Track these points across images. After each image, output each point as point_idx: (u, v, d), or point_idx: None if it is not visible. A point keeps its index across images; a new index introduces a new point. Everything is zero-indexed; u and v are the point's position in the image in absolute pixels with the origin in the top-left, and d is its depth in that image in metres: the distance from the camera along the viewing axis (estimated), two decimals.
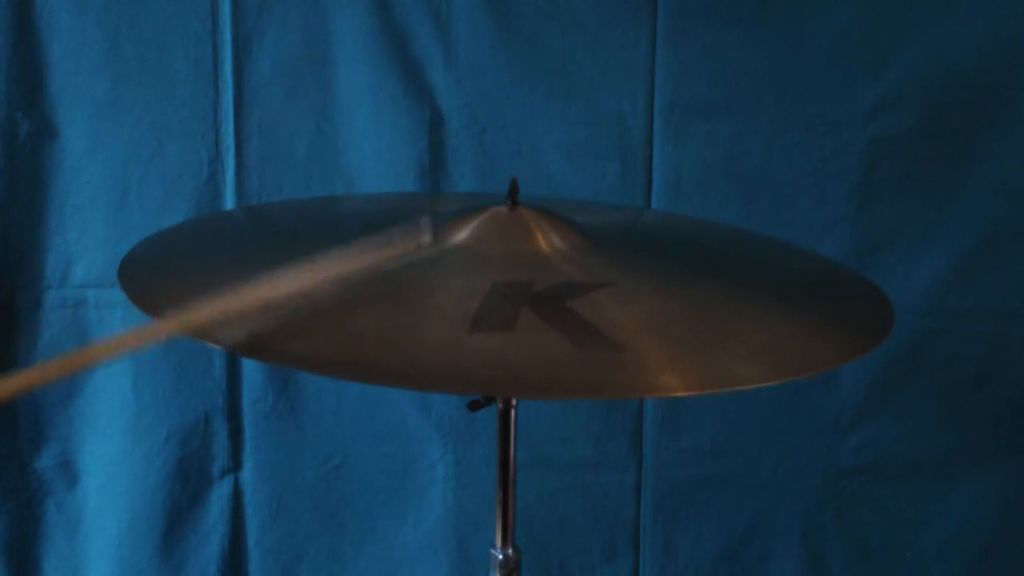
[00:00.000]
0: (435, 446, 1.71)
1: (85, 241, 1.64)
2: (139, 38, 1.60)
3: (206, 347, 1.67)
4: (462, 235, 1.06)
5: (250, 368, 1.69)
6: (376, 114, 1.64)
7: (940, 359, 1.69)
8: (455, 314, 0.91)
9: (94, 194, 1.63)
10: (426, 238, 0.99)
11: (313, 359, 0.86)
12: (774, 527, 1.74)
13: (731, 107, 1.64)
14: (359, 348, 0.87)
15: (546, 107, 1.64)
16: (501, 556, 1.18)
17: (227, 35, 1.61)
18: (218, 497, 1.72)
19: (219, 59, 1.62)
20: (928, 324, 1.67)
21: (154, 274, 1.04)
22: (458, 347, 0.87)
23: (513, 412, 1.15)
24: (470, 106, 1.64)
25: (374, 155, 1.65)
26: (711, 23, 1.62)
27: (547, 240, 1.07)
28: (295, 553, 1.74)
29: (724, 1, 1.61)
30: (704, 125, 1.64)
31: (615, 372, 0.86)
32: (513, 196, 1.11)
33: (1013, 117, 1.62)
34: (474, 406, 1.13)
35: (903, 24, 1.60)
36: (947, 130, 1.63)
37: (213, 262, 1.11)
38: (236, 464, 1.72)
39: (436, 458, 1.71)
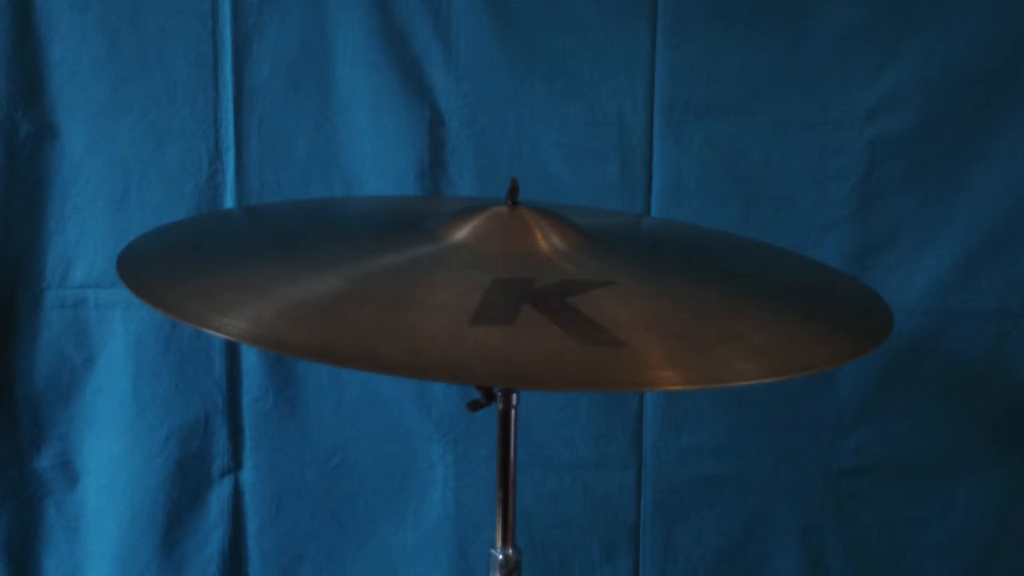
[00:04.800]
0: (435, 446, 1.71)
1: (85, 241, 1.64)
2: (139, 38, 1.60)
3: (206, 347, 1.67)
4: (462, 234, 1.06)
5: (250, 368, 1.69)
6: (376, 114, 1.64)
7: (940, 359, 1.69)
8: (456, 308, 0.91)
9: (94, 194, 1.63)
10: None
11: (316, 349, 0.86)
12: (774, 527, 1.74)
13: (731, 107, 1.64)
14: (361, 339, 0.87)
15: (546, 107, 1.64)
16: (501, 556, 1.18)
17: (227, 35, 1.61)
18: (218, 497, 1.72)
19: (219, 59, 1.62)
20: (928, 324, 1.67)
21: (153, 264, 1.04)
22: (459, 340, 0.87)
23: (513, 412, 1.15)
24: (470, 106, 1.64)
25: (374, 155, 1.65)
26: (711, 23, 1.62)
27: (547, 240, 1.07)
28: (295, 553, 1.74)
29: (724, 1, 1.62)
30: (704, 125, 1.64)
31: (614, 366, 0.86)
32: (513, 196, 1.11)
33: (1013, 117, 1.62)
34: (474, 405, 1.13)
35: (903, 24, 1.61)
36: (947, 130, 1.63)
37: (211, 254, 1.11)
38: (236, 464, 1.72)
39: (436, 458, 1.71)
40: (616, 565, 1.75)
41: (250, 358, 1.69)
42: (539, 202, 1.16)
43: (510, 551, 1.18)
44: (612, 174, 1.65)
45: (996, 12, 1.59)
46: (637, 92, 1.64)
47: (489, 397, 1.13)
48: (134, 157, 1.63)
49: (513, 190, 1.12)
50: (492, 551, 1.18)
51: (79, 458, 1.71)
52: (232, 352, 1.68)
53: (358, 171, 1.65)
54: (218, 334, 0.89)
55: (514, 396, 1.14)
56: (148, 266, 1.03)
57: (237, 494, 1.72)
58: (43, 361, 1.67)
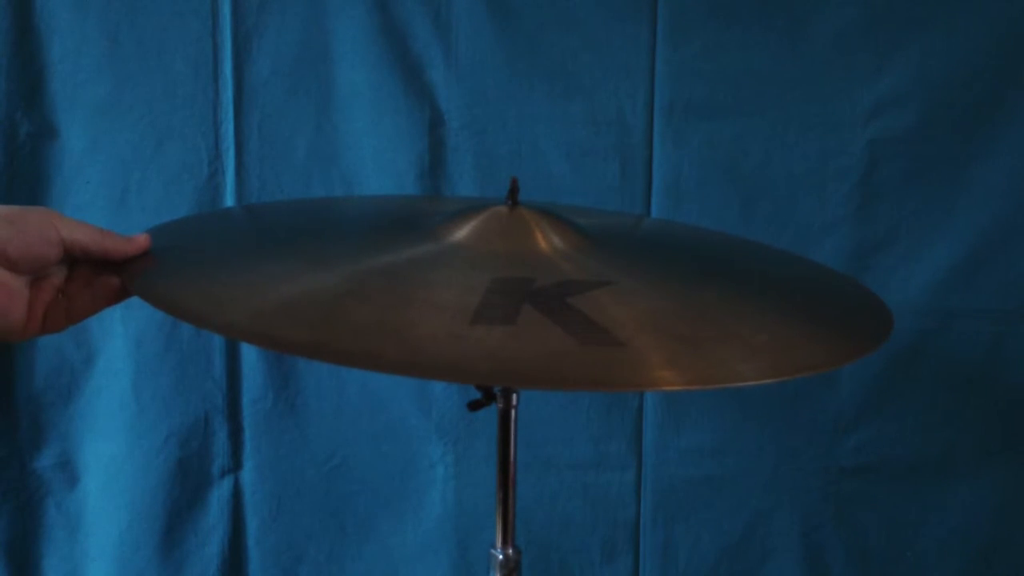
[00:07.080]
0: (435, 446, 1.71)
1: None
2: (139, 38, 1.60)
3: (206, 347, 1.67)
4: (462, 233, 1.06)
5: (250, 368, 1.69)
6: (376, 114, 1.64)
7: (940, 359, 1.69)
8: (456, 308, 0.91)
9: (94, 194, 1.63)
10: None
11: (316, 347, 0.86)
12: (774, 527, 1.74)
13: (731, 107, 1.64)
14: (362, 339, 0.87)
15: (546, 107, 1.64)
16: (501, 556, 1.18)
17: (227, 35, 1.61)
18: (218, 497, 1.72)
19: (219, 59, 1.62)
20: (928, 324, 1.67)
21: (153, 264, 1.03)
22: (459, 339, 0.87)
23: (513, 412, 1.15)
24: (470, 106, 1.64)
25: (374, 155, 1.65)
26: (711, 23, 1.62)
27: (547, 240, 1.07)
28: (295, 553, 1.74)
29: (724, 1, 1.62)
30: (704, 125, 1.64)
31: (615, 366, 0.86)
32: (513, 196, 1.11)
33: (1013, 117, 1.62)
34: (474, 405, 1.13)
35: (903, 24, 1.61)
36: (947, 130, 1.63)
37: (211, 253, 1.11)
38: (236, 464, 1.72)
39: (436, 458, 1.71)
40: (616, 565, 1.75)
41: (250, 358, 1.69)
42: (539, 202, 1.16)
43: (510, 551, 1.18)
44: (612, 174, 1.65)
45: (996, 12, 1.59)
46: (637, 92, 1.64)
47: (489, 397, 1.14)
48: (134, 157, 1.63)
49: (513, 190, 1.12)
50: (492, 551, 1.18)
51: (79, 458, 1.71)
52: (232, 352, 1.68)
53: (358, 171, 1.65)
54: (218, 333, 0.89)
55: (514, 396, 1.14)
56: (148, 266, 1.03)
57: (237, 494, 1.72)
58: (43, 361, 1.67)
